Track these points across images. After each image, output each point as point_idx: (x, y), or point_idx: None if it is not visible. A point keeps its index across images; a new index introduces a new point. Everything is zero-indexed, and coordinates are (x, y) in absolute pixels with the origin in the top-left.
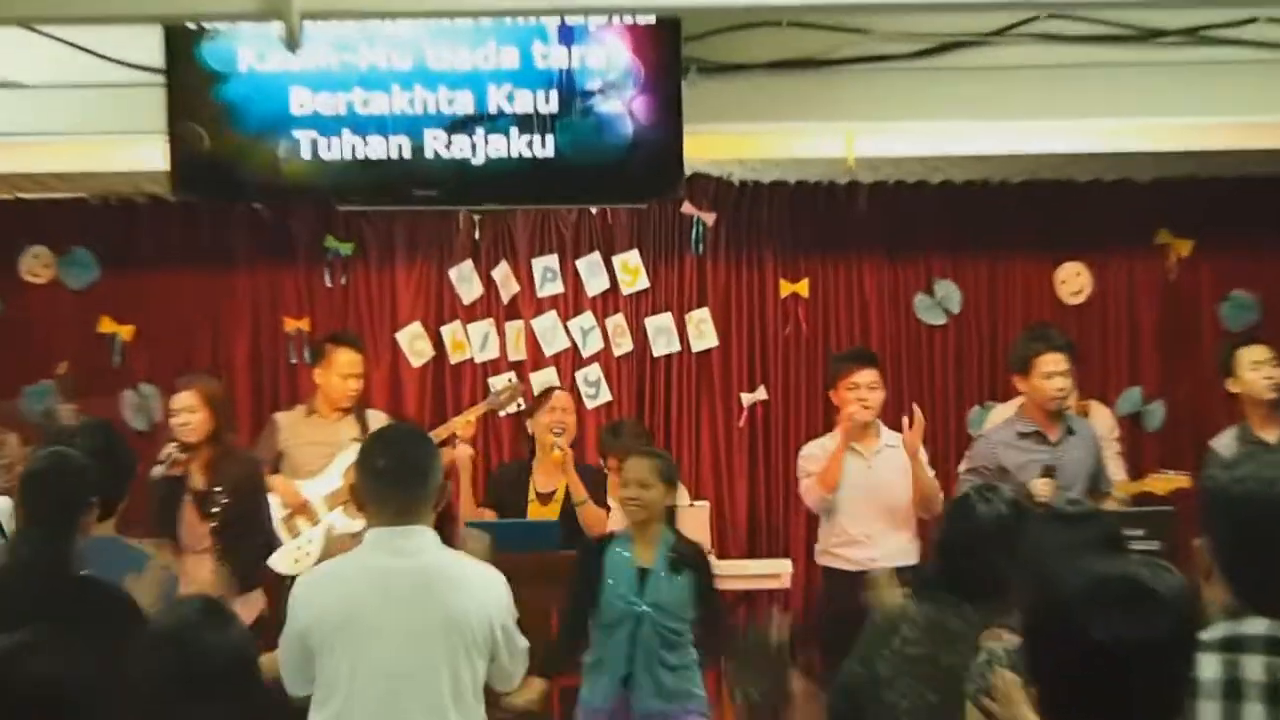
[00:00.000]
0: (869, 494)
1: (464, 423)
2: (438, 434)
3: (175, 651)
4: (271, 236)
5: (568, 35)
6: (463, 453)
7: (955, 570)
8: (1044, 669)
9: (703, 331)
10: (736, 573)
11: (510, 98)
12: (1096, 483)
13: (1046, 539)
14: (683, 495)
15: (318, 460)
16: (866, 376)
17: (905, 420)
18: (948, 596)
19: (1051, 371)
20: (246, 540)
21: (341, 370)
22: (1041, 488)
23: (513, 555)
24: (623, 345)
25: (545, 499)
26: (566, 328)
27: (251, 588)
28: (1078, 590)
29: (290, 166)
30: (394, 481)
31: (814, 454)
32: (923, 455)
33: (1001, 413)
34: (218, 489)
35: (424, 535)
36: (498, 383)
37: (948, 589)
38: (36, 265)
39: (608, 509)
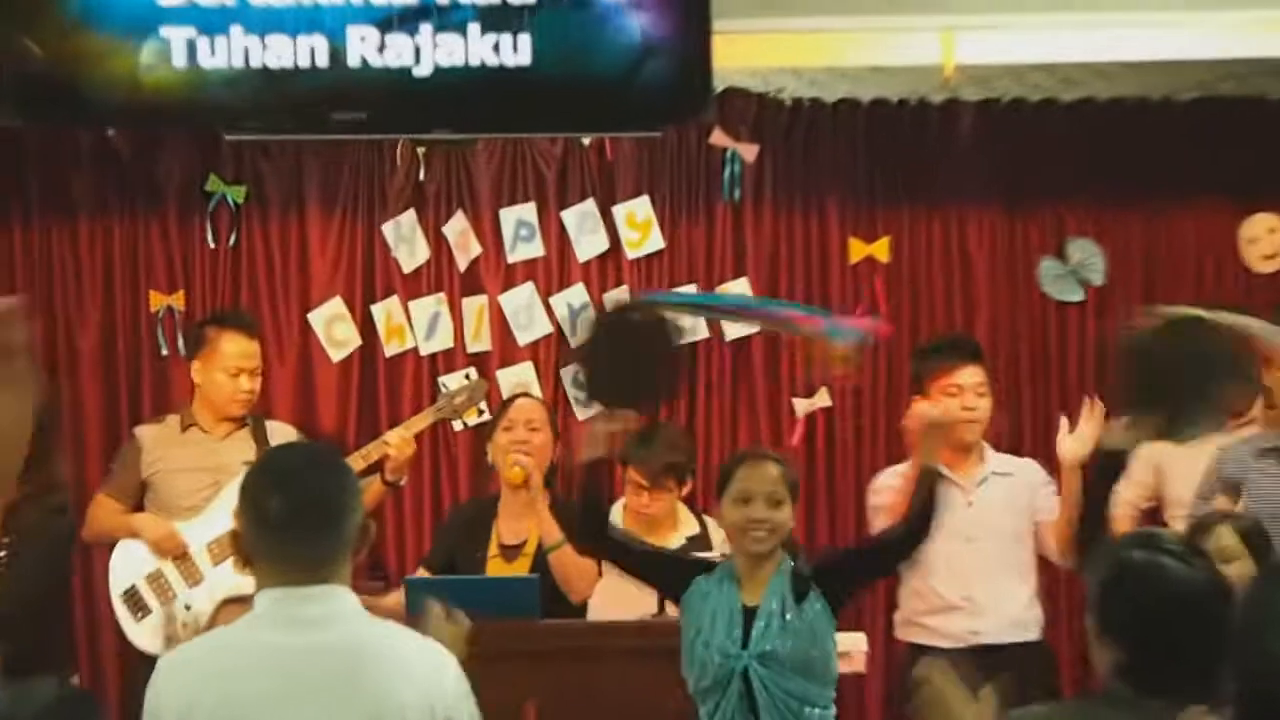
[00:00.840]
0: (969, 542)
1: (400, 438)
2: (366, 455)
3: None
4: (131, 177)
5: None
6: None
7: (1137, 655)
8: None
9: None
10: None
11: None
12: None
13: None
14: (717, 537)
15: (197, 492)
16: (971, 375)
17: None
18: (1124, 690)
19: None
20: (31, 613)
21: (230, 364)
22: None
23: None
24: None
25: (510, 553)
26: (549, 306)
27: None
28: None
29: (157, 78)
30: (293, 528)
31: (890, 485)
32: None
33: None
34: (4, 540)
35: (338, 599)
36: (452, 382)
37: (1125, 680)
38: None
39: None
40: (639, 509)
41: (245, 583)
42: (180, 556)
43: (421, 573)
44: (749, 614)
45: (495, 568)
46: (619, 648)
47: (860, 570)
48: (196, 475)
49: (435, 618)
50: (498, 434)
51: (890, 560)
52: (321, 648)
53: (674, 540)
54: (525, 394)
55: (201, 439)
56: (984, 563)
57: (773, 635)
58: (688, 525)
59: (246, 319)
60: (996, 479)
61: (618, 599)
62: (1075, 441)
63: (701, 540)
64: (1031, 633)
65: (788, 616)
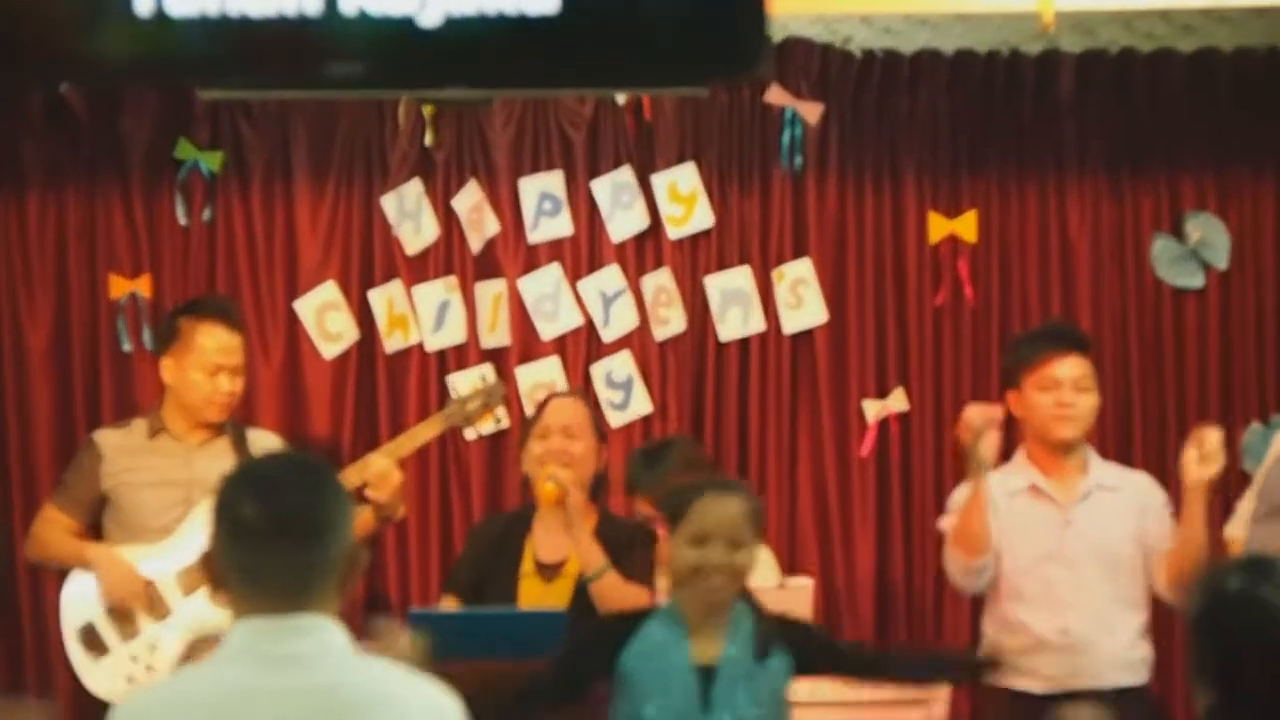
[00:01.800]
0: (1068, 567)
1: (399, 449)
2: (366, 469)
3: None
4: (88, 142)
5: None
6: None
7: (1228, 700)
8: None
9: (801, 298)
10: (860, 695)
11: None
12: None
13: None
14: (768, 567)
15: (167, 510)
16: (1072, 368)
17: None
18: None
19: None
20: None
21: (206, 360)
22: None
23: (485, 664)
24: (670, 322)
25: (549, 573)
26: (577, 293)
27: None
28: None
29: (120, 30)
30: (272, 543)
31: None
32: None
33: None
34: None
35: (324, 633)
36: (463, 383)
37: None
38: None
39: (651, 588)
40: None
41: (222, 618)
42: (142, 590)
43: (446, 600)
44: (705, 674)
45: (530, 589)
46: None
47: (824, 662)
48: (166, 490)
49: (387, 634)
50: (531, 442)
51: (844, 672)
52: (304, 693)
53: None
54: (563, 393)
55: (172, 448)
56: (1083, 593)
57: (738, 697)
58: None
59: (227, 307)
60: (1101, 494)
61: None
62: (1202, 462)
63: None
64: (1138, 675)
65: (753, 675)
